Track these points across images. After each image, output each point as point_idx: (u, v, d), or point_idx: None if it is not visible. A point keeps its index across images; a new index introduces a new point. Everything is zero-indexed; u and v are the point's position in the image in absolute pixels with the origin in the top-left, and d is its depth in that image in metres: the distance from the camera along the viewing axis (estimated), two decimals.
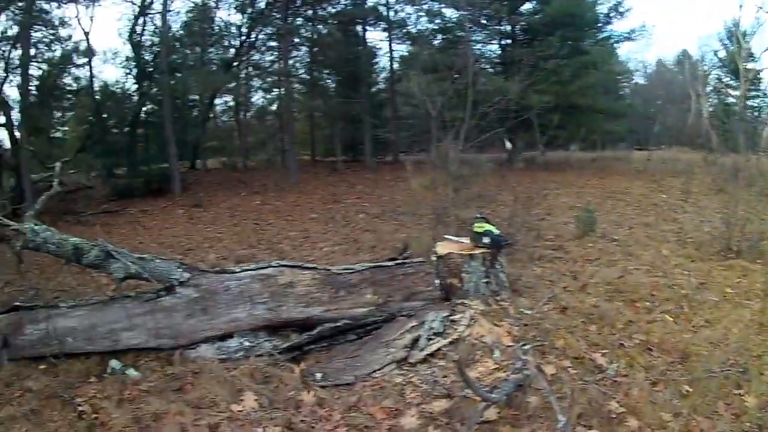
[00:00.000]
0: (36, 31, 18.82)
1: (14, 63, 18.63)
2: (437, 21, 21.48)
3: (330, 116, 23.86)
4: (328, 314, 4.80)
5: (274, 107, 26.98)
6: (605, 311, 4.82)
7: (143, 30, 21.46)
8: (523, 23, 20.31)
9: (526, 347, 4.08)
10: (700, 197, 11.89)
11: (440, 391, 3.87)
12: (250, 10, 22.19)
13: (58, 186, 7.18)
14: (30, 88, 18.41)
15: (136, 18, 20.93)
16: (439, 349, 4.32)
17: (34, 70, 19.49)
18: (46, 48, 20.13)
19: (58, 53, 20.82)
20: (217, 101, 24.52)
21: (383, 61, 24.35)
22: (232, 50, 23.58)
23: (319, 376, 4.24)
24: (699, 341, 4.37)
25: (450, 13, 20.90)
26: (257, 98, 27.40)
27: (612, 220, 9.51)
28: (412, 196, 10.34)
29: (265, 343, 4.77)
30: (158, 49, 20.65)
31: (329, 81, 25.01)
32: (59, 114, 24.06)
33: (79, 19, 21.79)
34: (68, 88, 22.27)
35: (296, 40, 21.89)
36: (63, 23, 20.01)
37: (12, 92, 20.20)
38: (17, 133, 18.36)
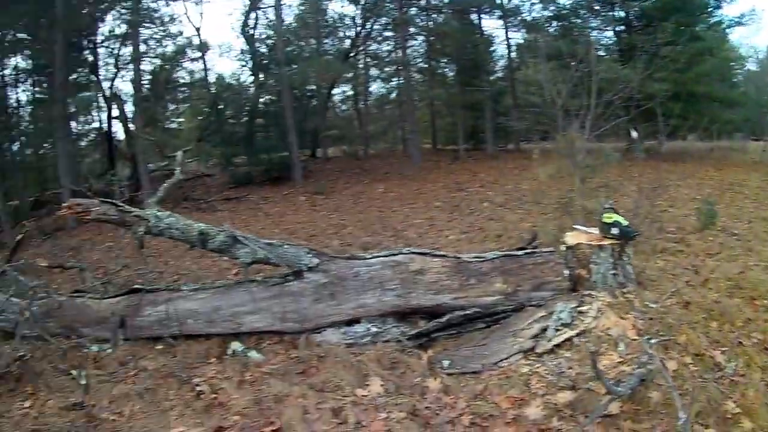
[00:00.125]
0: (146, 29, 20.03)
1: (125, 59, 19.99)
2: (551, 8, 21.11)
3: (451, 105, 23.69)
4: (457, 302, 4.79)
5: (393, 96, 27.25)
6: (726, 308, 4.59)
7: (256, 23, 22.20)
8: (635, 8, 19.62)
9: (652, 341, 3.94)
10: None
11: (565, 383, 3.85)
12: (363, 1, 22.50)
13: (180, 174, 7.25)
14: (143, 82, 19.48)
15: (248, 12, 21.73)
16: (566, 340, 4.26)
17: (146, 65, 20.73)
18: (157, 44, 21.36)
19: (169, 49, 22.03)
20: (335, 91, 24.90)
21: (500, 49, 24.04)
22: (348, 41, 23.99)
23: (446, 363, 4.29)
24: None
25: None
26: (375, 87, 27.69)
27: (731, 213, 9.18)
28: (536, 185, 10.29)
29: (393, 329, 4.84)
30: (273, 42, 21.36)
31: (447, 70, 24.88)
32: (173, 106, 25.49)
33: (188, 16, 23.22)
34: (182, 81, 23.56)
35: (412, 30, 21.94)
36: (172, 20, 21.24)
37: (125, 86, 21.66)
38: (131, 125, 19.67)
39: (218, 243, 5.17)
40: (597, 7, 20.26)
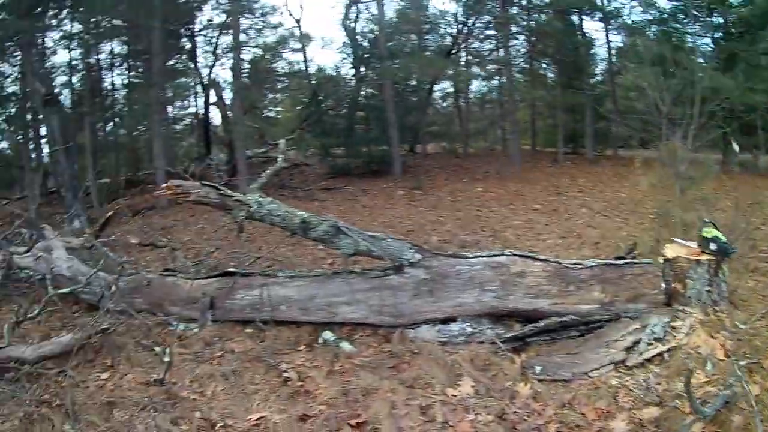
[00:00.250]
0: (246, 18, 20.75)
1: (224, 47, 20.84)
2: (651, 11, 20.41)
3: (552, 106, 23.31)
4: (554, 308, 4.81)
5: (493, 95, 26.94)
6: None
7: (357, 17, 22.45)
8: (733, 15, 18.62)
9: (741, 363, 3.84)
10: None
11: (652, 398, 3.82)
12: None
13: (283, 162, 7.34)
14: (242, 71, 20.07)
15: (349, 6, 22.01)
16: (656, 355, 4.24)
17: (246, 55, 21.46)
18: (257, 33, 22.11)
19: (269, 39, 22.74)
20: (436, 87, 24.82)
21: (601, 52, 23.44)
22: (449, 38, 23.97)
23: (538, 369, 4.28)
24: None
25: (664, 3, 19.84)
26: (475, 86, 27.49)
27: None
28: (634, 193, 10.24)
29: (488, 331, 4.86)
30: (373, 36, 21.59)
31: (548, 71, 24.61)
32: (272, 95, 26.17)
33: (288, 9, 23.79)
34: (282, 71, 24.13)
35: (514, 28, 21.79)
36: (273, 10, 21.93)
37: (225, 74, 22.35)
38: (229, 112, 20.33)
39: (321, 232, 5.21)
40: (696, 13, 19.48)
